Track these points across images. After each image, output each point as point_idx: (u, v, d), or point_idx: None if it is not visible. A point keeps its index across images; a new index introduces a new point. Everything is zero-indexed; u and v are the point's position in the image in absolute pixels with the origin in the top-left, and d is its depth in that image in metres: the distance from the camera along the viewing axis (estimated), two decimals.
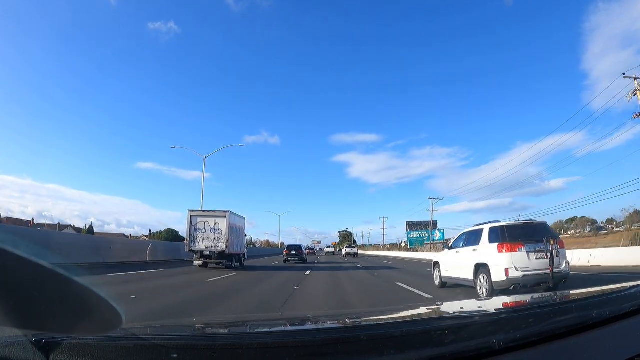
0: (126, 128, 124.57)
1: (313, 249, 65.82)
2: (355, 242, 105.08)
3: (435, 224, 62.79)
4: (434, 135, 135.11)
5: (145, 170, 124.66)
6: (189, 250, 15.79)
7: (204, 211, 16.26)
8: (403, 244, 69.29)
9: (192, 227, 15.71)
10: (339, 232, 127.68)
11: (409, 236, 65.91)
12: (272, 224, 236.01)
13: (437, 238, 57.69)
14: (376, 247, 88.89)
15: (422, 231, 64.46)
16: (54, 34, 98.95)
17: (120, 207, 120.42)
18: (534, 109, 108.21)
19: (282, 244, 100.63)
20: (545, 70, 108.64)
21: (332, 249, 64.77)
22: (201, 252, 15.47)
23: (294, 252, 24.42)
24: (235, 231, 16.91)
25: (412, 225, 69.22)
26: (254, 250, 33.24)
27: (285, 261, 23.83)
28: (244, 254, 18.79)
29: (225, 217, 15.72)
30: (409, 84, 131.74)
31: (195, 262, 15.72)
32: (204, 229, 15.69)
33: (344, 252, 47.98)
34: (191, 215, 15.81)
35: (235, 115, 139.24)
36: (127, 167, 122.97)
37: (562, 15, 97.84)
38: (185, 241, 16.22)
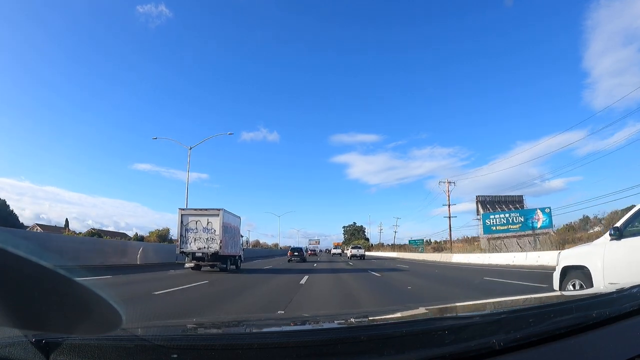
0: (121, 129, 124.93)
1: (314, 251, 66.64)
2: (367, 239, 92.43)
3: (521, 200, 40.09)
4: (434, 135, 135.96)
5: (143, 172, 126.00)
6: (180, 252, 15.29)
7: (195, 209, 15.68)
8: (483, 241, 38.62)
9: (184, 227, 15.25)
10: (343, 227, 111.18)
11: (486, 222, 37.15)
12: (271, 225, 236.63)
13: (539, 224, 33.18)
14: (435, 245, 57.31)
15: (509, 213, 37.26)
16: (47, 38, 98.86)
17: (119, 210, 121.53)
18: (535, 108, 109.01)
19: (277, 244, 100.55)
20: (545, 69, 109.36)
21: (339, 250, 59.11)
22: (193, 253, 15.00)
23: (297, 253, 31.87)
24: (230, 231, 16.48)
25: (486, 203, 40.92)
26: (248, 252, 33.32)
27: (289, 260, 30.43)
28: (240, 256, 18.40)
29: (218, 215, 15.25)
30: (410, 83, 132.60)
31: (187, 265, 15.29)
32: (196, 228, 15.22)
33: (348, 253, 41.57)
34: (182, 214, 15.35)
35: (233, 114, 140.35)
36: (124, 168, 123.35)
37: (564, 12, 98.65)
38: (177, 242, 15.71)
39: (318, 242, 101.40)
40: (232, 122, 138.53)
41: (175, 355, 0.83)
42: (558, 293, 2.09)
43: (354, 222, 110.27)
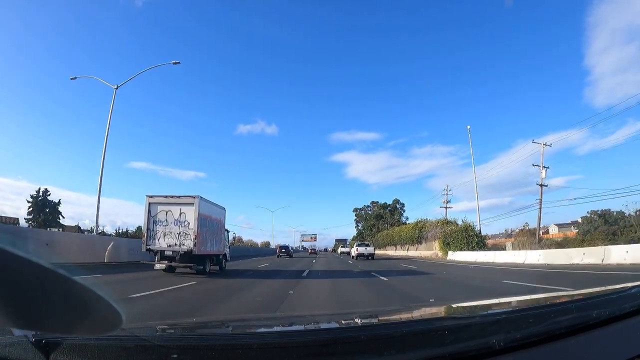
0: (116, 122, 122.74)
1: (314, 249, 68.74)
2: (402, 217, 65.62)
3: None
4: (435, 133, 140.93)
5: (139, 170, 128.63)
6: (147, 250, 13.35)
7: (166, 196, 13.55)
8: None
9: (151, 219, 13.32)
10: (354, 210, 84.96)
11: None
12: (268, 223, 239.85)
13: None
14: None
15: None
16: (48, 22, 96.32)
17: (116, 209, 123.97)
18: (536, 106, 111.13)
19: (268, 243, 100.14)
20: (547, 67, 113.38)
21: (347, 249, 53.26)
22: (162, 251, 13.05)
23: (284, 250, 43.66)
24: (209, 225, 14.53)
25: None
26: (235, 250, 31.73)
27: (278, 256, 41.47)
28: (224, 255, 16.64)
29: (193, 204, 13.27)
30: (410, 80, 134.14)
31: (157, 266, 13.34)
32: (166, 220, 13.16)
33: (353, 252, 36.79)
34: (150, 202, 13.35)
35: (231, 106, 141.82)
36: (120, 166, 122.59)
37: (566, 10, 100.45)
38: (143, 237, 13.52)
39: (314, 238, 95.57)
40: (229, 110, 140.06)
41: (175, 355, 0.90)
42: (558, 293, 2.18)
43: (376, 201, 76.87)
